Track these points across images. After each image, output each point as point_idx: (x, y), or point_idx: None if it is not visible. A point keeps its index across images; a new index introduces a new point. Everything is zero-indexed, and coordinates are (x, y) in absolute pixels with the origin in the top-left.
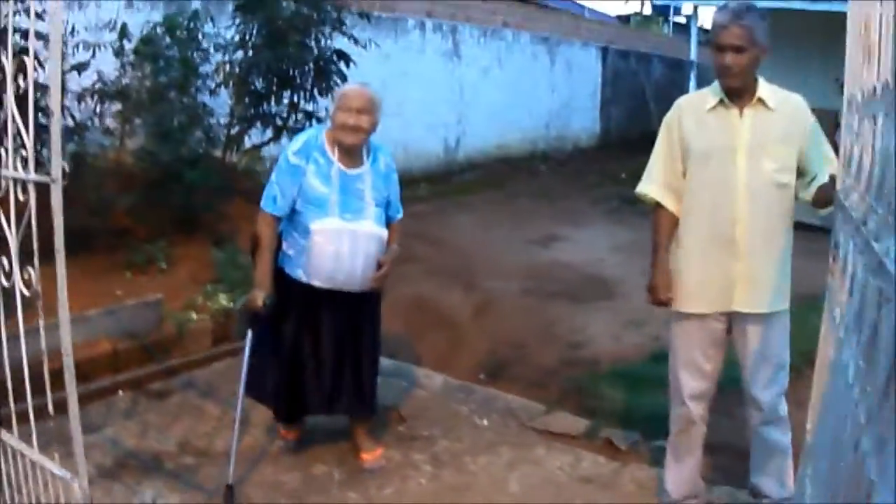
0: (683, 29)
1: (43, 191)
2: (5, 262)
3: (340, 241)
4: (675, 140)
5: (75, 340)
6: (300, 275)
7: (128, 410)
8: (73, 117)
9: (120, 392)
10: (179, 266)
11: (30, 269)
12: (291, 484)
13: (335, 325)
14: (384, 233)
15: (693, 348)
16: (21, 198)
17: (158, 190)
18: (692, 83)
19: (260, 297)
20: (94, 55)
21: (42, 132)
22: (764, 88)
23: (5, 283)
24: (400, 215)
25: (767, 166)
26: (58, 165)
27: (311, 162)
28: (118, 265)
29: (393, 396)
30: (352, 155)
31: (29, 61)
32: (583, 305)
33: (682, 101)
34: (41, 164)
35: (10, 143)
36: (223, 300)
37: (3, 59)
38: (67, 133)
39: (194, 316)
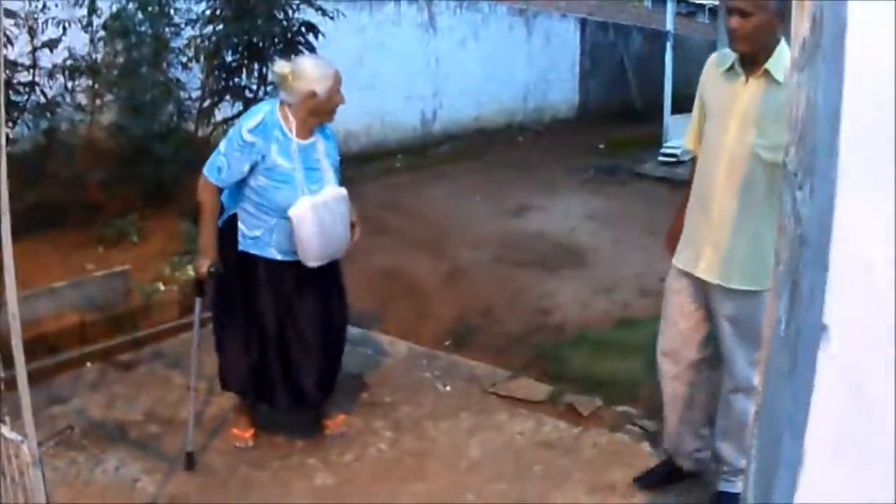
0: (663, 1)
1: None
2: None
3: (320, 217)
4: (700, 95)
5: (43, 313)
6: (273, 253)
7: (95, 382)
8: (44, 94)
9: (88, 364)
10: (151, 239)
11: None
12: (253, 451)
13: (308, 303)
14: (343, 191)
15: (671, 302)
16: None
17: (130, 165)
18: (668, 54)
19: (205, 264)
20: (64, 32)
21: None
22: (777, 59)
23: None
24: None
25: (754, 140)
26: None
27: (273, 141)
28: (90, 240)
29: (357, 364)
30: (311, 127)
31: None
32: (553, 273)
33: (711, 59)
34: None
35: None
36: (190, 271)
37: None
38: (39, 109)
39: (161, 287)
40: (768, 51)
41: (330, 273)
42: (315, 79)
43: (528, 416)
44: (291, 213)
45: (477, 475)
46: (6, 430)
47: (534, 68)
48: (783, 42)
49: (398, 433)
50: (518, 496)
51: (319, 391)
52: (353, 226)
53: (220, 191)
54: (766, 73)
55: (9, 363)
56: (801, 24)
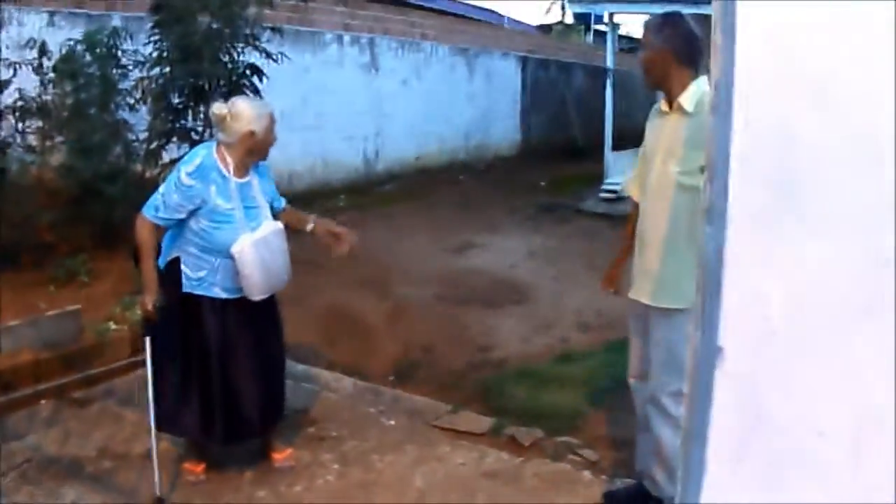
0: (603, 37)
1: None
2: None
3: (261, 253)
4: (643, 143)
5: None
6: (218, 293)
7: (50, 418)
8: None
9: (42, 401)
10: (101, 279)
11: None
12: (206, 484)
13: (247, 336)
14: (280, 225)
15: (631, 328)
16: None
17: (80, 205)
18: (608, 90)
19: (149, 300)
20: (15, 73)
21: None
22: (687, 93)
23: None
24: (282, 202)
25: (673, 168)
26: None
27: (211, 183)
28: (42, 280)
29: (303, 400)
30: (248, 166)
31: None
32: (494, 310)
33: (654, 107)
34: None
35: None
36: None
37: None
38: None
39: (113, 326)
40: (671, 83)
41: (268, 307)
42: (253, 119)
43: (471, 448)
44: (234, 250)
45: None
46: None
47: (475, 107)
48: (702, 77)
49: (345, 466)
50: None
51: (265, 421)
52: (336, 236)
53: (157, 229)
54: (679, 105)
55: None
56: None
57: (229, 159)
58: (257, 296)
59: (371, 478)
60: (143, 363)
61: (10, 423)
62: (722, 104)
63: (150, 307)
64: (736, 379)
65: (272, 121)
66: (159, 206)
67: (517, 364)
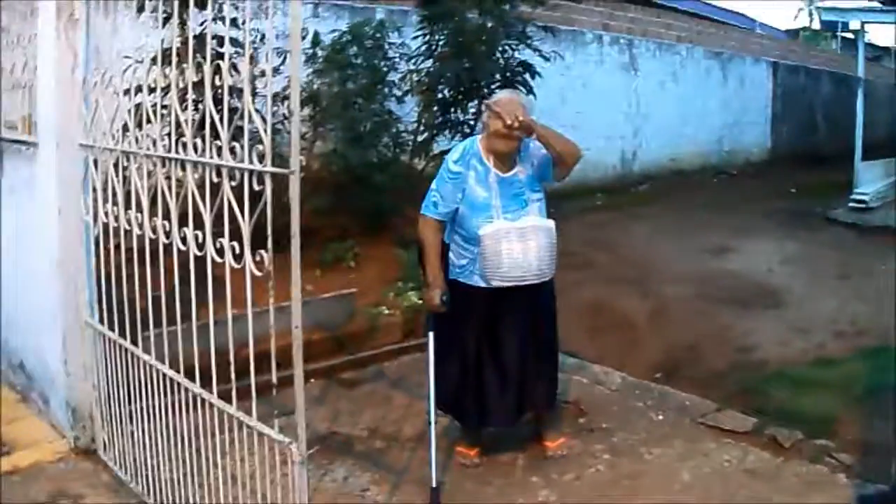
0: (852, 44)
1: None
2: (236, 245)
3: (509, 240)
4: None
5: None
6: (477, 280)
7: (319, 397)
8: (263, 120)
9: (311, 380)
10: (367, 266)
11: (262, 252)
12: (478, 468)
13: (516, 324)
14: (550, 223)
15: None
16: (256, 188)
17: (346, 192)
18: (859, 100)
19: (436, 295)
20: (283, 62)
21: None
22: None
23: (234, 265)
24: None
25: None
26: (296, 159)
27: (471, 169)
28: (308, 263)
29: (574, 391)
30: (504, 160)
31: (244, 64)
32: (751, 312)
33: None
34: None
35: (246, 140)
36: (413, 297)
37: (240, 64)
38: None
39: (385, 310)
40: None
41: (540, 295)
42: (491, 109)
43: (734, 446)
44: (481, 231)
45: (688, 497)
46: (275, 434)
47: (728, 111)
48: None
49: (615, 456)
50: None
51: (537, 406)
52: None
53: (442, 226)
54: None
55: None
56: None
57: (487, 150)
58: (495, 281)
59: (639, 469)
60: (413, 348)
61: (279, 399)
62: None
63: (436, 301)
64: None
65: (496, 108)
66: (437, 202)
67: (776, 366)
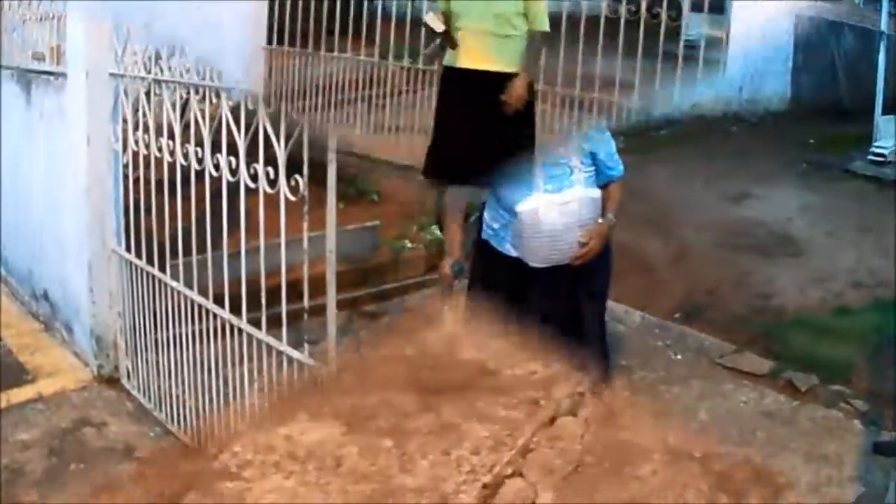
0: None
1: None
2: (270, 170)
3: (550, 219)
4: None
5: (297, 261)
6: (508, 249)
7: (342, 328)
8: None
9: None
10: (390, 200)
11: (297, 176)
12: None
13: (555, 312)
14: (596, 193)
15: None
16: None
17: None
18: (881, 54)
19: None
20: None
21: None
22: None
23: (269, 190)
24: (617, 173)
25: None
26: None
27: None
28: None
29: None
30: None
31: None
32: (771, 259)
33: None
34: None
35: None
36: (437, 231)
37: None
38: None
39: (409, 244)
40: None
41: (591, 278)
42: None
43: (752, 388)
44: (519, 207)
45: (705, 435)
46: (304, 358)
47: (749, 60)
48: None
49: (634, 394)
50: (743, 458)
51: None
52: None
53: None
54: None
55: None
56: None
57: None
58: (534, 263)
59: (658, 408)
60: (436, 282)
61: (303, 329)
62: None
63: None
64: None
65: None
66: None
67: (794, 313)
